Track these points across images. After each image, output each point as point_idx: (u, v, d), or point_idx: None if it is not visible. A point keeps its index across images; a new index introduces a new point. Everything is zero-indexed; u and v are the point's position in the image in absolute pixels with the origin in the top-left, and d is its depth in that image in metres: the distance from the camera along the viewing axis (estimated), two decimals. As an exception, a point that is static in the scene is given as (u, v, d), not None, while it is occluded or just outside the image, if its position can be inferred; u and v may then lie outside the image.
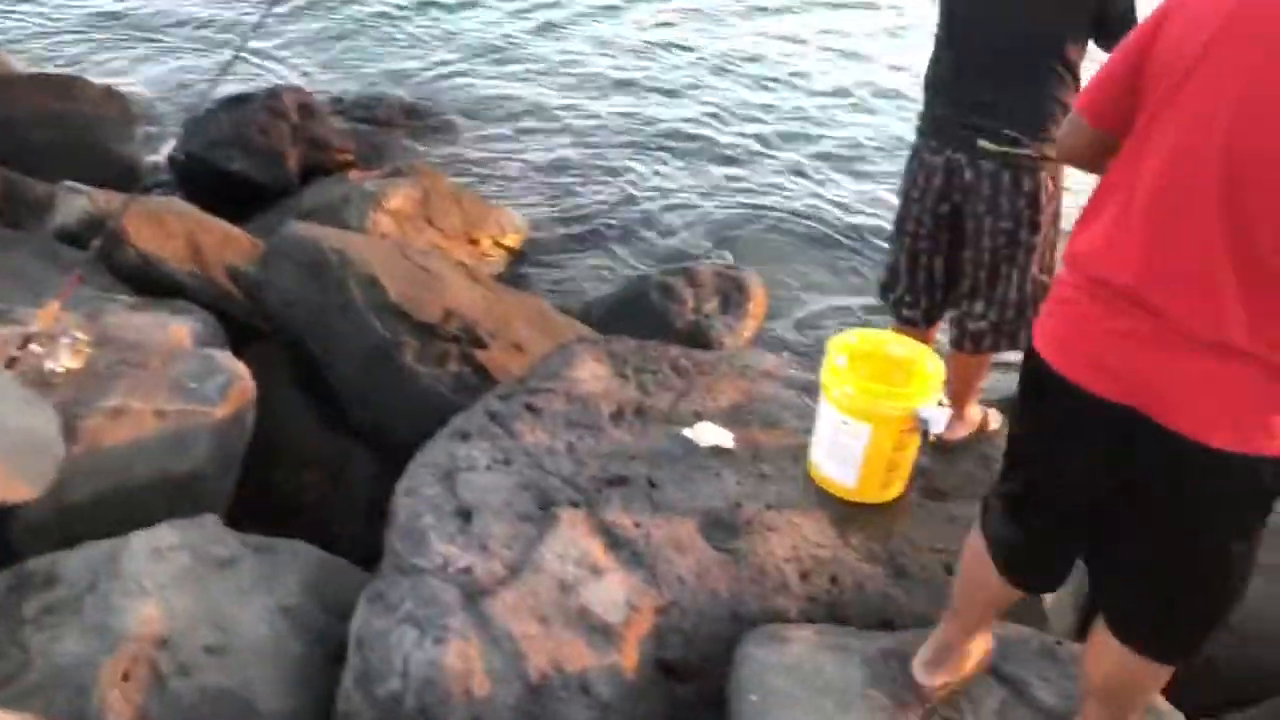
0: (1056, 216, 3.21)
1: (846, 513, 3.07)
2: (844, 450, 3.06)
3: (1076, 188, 2.84)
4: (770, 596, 2.77)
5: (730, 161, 6.90)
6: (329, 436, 3.73)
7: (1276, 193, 1.64)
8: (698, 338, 4.81)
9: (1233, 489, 1.81)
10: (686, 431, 3.25)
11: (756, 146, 7.11)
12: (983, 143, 3.07)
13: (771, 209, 6.33)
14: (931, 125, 3.20)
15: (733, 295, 5.07)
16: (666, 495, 3.01)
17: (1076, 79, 3.01)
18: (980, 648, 2.48)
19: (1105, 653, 2.08)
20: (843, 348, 3.15)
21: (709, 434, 3.23)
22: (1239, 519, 1.86)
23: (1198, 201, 1.71)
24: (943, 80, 3.15)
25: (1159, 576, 1.96)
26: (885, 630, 2.71)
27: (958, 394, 3.38)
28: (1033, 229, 3.11)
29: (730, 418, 3.37)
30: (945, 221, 3.21)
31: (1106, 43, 2.90)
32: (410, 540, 2.76)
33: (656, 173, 6.68)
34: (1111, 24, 2.87)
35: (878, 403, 2.99)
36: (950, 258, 3.28)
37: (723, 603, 2.73)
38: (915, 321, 3.43)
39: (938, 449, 3.35)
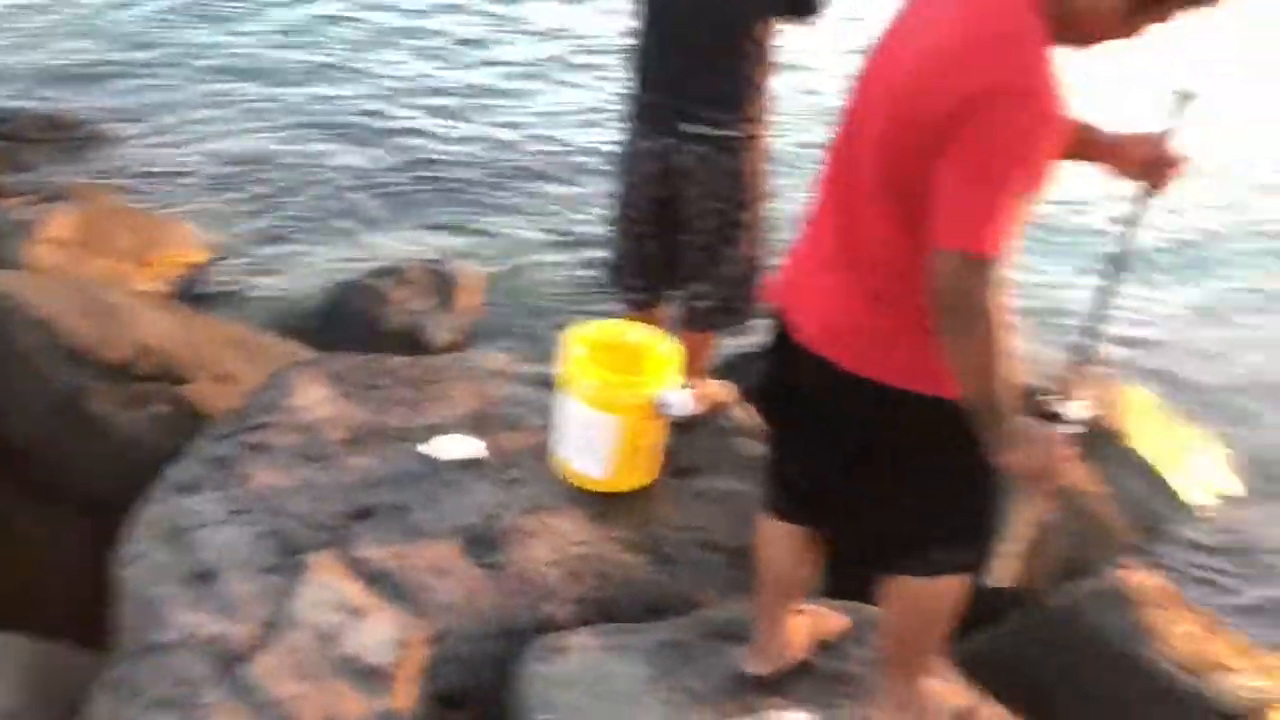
0: (766, 194, 3.31)
1: (603, 506, 3.05)
2: (592, 443, 3.04)
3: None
4: (539, 605, 2.71)
5: (418, 134, 6.67)
6: (26, 508, 3.31)
7: (876, 131, 1.85)
8: (413, 340, 4.64)
9: (867, 411, 1.99)
10: (422, 448, 3.11)
11: (445, 121, 6.93)
12: (685, 126, 3.10)
13: (474, 183, 6.16)
14: (640, 110, 3.21)
15: (443, 290, 4.92)
16: (418, 519, 2.88)
17: (767, 57, 3.09)
18: (805, 627, 2.51)
19: (883, 599, 2.23)
20: (581, 340, 3.12)
21: (451, 446, 3.11)
22: (900, 441, 2.00)
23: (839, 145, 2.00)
24: (645, 64, 3.16)
25: (869, 498, 2.12)
26: (656, 618, 2.72)
27: (688, 371, 3.44)
28: (743, 207, 3.19)
29: (472, 425, 3.27)
30: (663, 205, 3.24)
31: (797, 19, 3.00)
32: (145, 614, 2.50)
33: (347, 158, 6.36)
34: (800, 3, 2.97)
35: (621, 393, 2.98)
36: (671, 240, 3.31)
37: (492, 621, 2.65)
38: (643, 304, 3.45)
39: (678, 427, 3.39)
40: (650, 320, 3.45)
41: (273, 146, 6.40)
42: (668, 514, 3.08)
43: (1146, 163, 1.99)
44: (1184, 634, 2.94)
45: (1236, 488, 4.26)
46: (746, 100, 3.09)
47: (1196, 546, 3.90)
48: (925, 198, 1.74)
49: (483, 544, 2.83)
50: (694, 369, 3.45)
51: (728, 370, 3.97)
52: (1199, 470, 4.27)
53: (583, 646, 2.54)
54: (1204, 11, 1.74)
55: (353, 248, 5.48)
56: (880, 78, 1.88)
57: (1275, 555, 3.89)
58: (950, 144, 1.68)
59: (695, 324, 3.36)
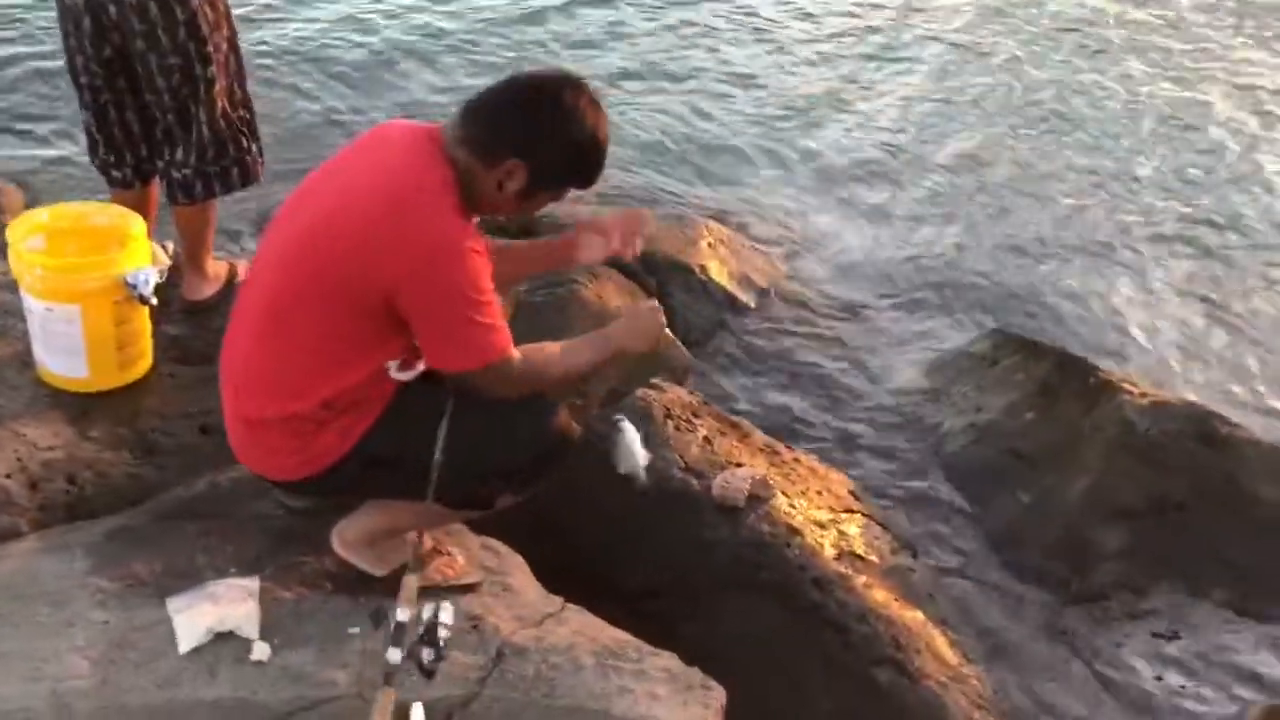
0: (234, 45, 3.05)
1: (85, 407, 2.79)
2: (62, 340, 2.76)
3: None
4: (-8, 519, 2.45)
5: None
6: None
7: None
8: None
9: None
10: None
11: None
12: None
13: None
14: None
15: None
16: None
17: None
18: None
19: None
20: (34, 227, 2.81)
21: (-106, 365, 2.76)
22: None
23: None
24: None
25: None
26: (137, 512, 2.52)
27: (191, 252, 3.18)
28: (204, 61, 2.92)
29: (-68, 341, 2.91)
30: (116, 67, 2.93)
31: None
32: None
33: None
34: None
35: (77, 278, 2.71)
36: (140, 106, 3.01)
37: (-71, 544, 2.37)
38: (128, 182, 3.14)
39: (190, 313, 3.15)
40: (142, 200, 3.16)
41: None
42: (163, 404, 2.85)
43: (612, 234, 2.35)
44: (701, 440, 2.98)
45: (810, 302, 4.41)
46: None
47: (754, 359, 4.01)
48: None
49: (-79, 463, 2.53)
50: (199, 247, 3.20)
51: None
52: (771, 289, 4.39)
53: (22, 552, 2.32)
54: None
55: None
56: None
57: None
58: (402, 304, 1.96)
59: (178, 195, 3.08)
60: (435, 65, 5.95)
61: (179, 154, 3.03)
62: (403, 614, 1.90)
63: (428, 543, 2.28)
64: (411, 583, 1.95)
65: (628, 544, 2.78)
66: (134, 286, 2.74)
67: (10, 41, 5.68)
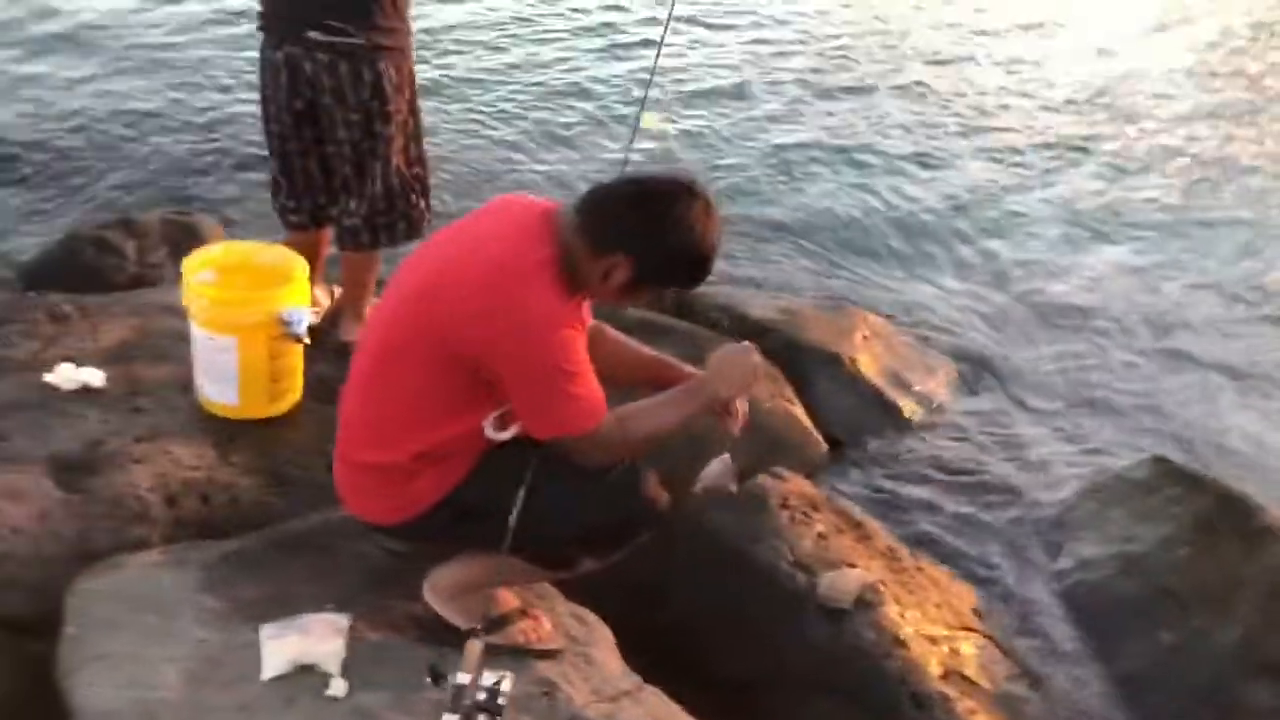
0: (414, 109, 3.23)
1: (233, 433, 2.95)
2: (219, 368, 2.95)
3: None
4: (127, 528, 2.61)
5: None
6: None
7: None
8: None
9: None
10: (48, 377, 3.00)
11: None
12: (311, 34, 3.01)
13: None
14: (265, 20, 3.12)
15: (184, 242, 4.76)
16: (14, 446, 2.76)
17: None
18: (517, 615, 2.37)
19: None
20: (205, 262, 3.02)
21: (71, 375, 3.00)
22: None
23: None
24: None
25: None
26: (263, 539, 2.64)
27: (352, 296, 3.36)
28: (385, 120, 3.11)
29: (110, 357, 3.15)
30: (304, 118, 3.15)
31: None
32: None
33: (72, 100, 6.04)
34: None
35: (236, 311, 2.89)
36: (321, 156, 3.22)
37: (68, 544, 2.54)
38: (303, 225, 3.35)
39: (340, 353, 3.31)
40: (314, 243, 3.36)
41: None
42: (302, 438, 2.99)
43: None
44: (815, 535, 2.91)
45: (964, 407, 4.27)
46: (374, 8, 3.02)
47: (894, 460, 3.88)
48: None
49: (75, 470, 2.73)
50: (358, 292, 3.37)
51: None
52: (924, 389, 4.26)
53: (144, 562, 2.46)
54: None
55: (85, 204, 5.26)
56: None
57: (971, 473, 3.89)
58: (493, 371, 2.03)
59: (346, 242, 3.27)
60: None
61: (352, 204, 3.22)
62: (462, 677, 1.91)
63: (514, 602, 2.30)
64: (475, 648, 1.96)
65: (722, 630, 2.73)
66: (289, 324, 2.91)
67: (229, 89, 6.19)
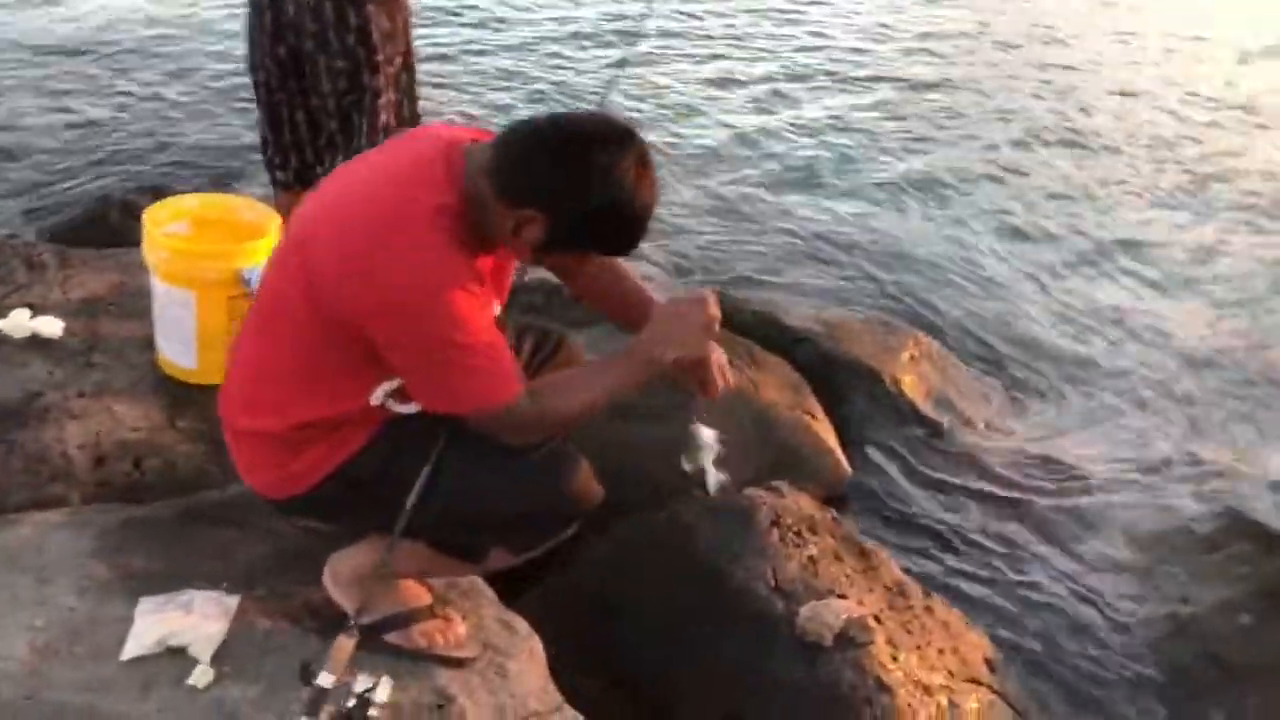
0: (409, 65, 3.00)
1: (186, 397, 2.75)
2: (176, 325, 2.75)
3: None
4: (45, 486, 2.42)
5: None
6: None
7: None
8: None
9: None
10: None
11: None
12: None
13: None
14: None
15: (214, 213, 4.63)
16: (-51, 391, 2.59)
17: None
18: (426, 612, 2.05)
19: None
20: (179, 213, 2.83)
21: (24, 323, 2.83)
22: None
23: None
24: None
25: None
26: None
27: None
28: (373, 70, 2.87)
29: (76, 309, 2.99)
30: (289, 68, 2.93)
31: None
32: None
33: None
34: None
35: (196, 264, 2.69)
36: (308, 110, 3.01)
37: (-25, 497, 2.35)
38: (289, 185, 3.13)
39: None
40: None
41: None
42: (259, 407, 2.76)
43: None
44: (805, 558, 2.57)
45: (1016, 441, 3.85)
46: None
47: (929, 489, 3.50)
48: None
49: (3, 420, 2.54)
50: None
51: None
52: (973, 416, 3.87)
53: (40, 522, 2.24)
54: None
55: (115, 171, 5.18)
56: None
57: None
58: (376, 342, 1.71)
59: (329, 206, 3.04)
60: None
61: (338, 162, 2.99)
62: (325, 679, 1.64)
63: (425, 598, 2.02)
64: (346, 645, 1.68)
65: (683, 656, 2.40)
66: (248, 283, 2.69)
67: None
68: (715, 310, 1.84)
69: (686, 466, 2.06)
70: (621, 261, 2.06)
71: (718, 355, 1.96)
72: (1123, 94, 7.53)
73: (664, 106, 6.48)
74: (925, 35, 8.38)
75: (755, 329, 3.95)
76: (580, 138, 1.69)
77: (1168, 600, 3.10)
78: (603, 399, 1.82)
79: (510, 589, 2.32)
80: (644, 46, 7.28)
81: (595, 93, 6.20)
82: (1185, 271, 5.26)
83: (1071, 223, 5.60)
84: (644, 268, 4.58)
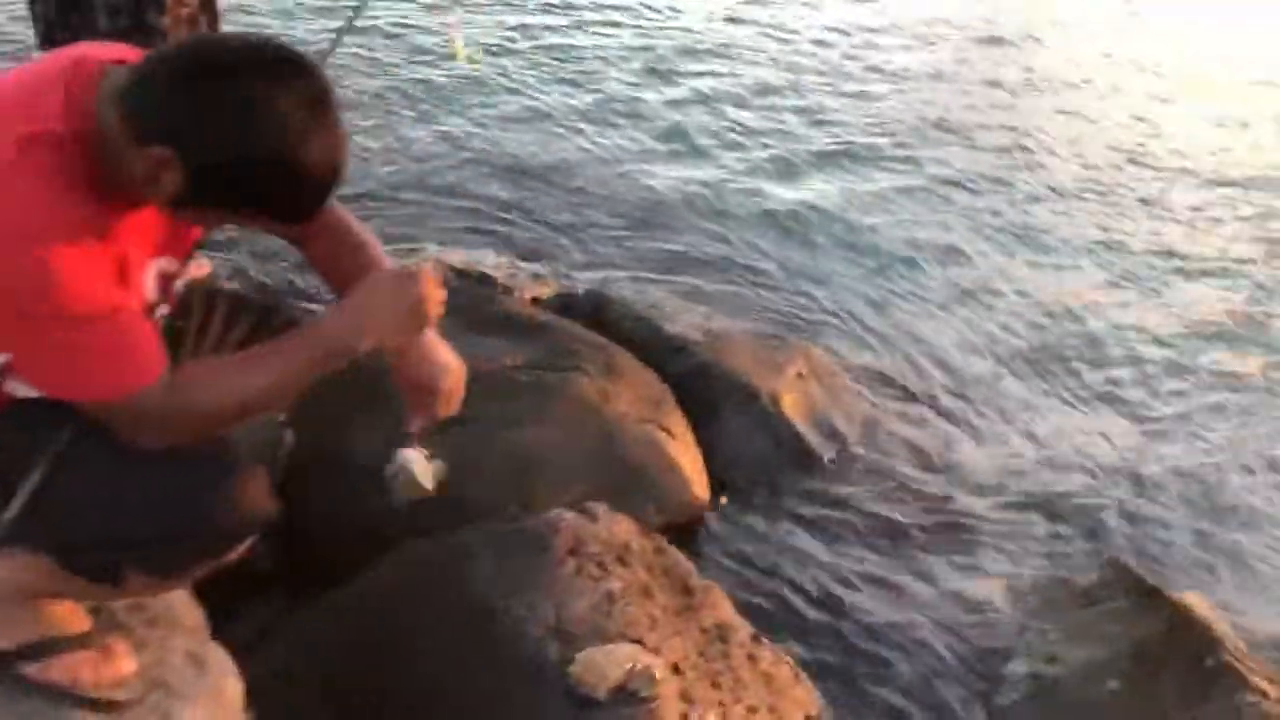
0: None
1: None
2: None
3: None
4: None
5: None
6: None
7: None
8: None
9: None
10: None
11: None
12: None
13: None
14: None
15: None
16: None
17: None
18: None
19: None
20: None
21: None
22: None
23: None
24: None
25: None
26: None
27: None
28: (159, 9, 2.58)
29: None
30: (69, 2, 2.64)
31: None
32: None
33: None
34: None
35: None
36: None
37: None
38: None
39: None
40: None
41: None
42: None
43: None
44: (602, 595, 2.25)
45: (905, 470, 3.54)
46: None
47: (796, 521, 3.19)
48: None
49: None
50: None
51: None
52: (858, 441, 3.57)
53: None
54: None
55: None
56: None
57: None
58: None
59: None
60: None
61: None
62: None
63: (77, 625, 1.69)
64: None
65: (441, 707, 2.08)
66: None
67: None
68: (431, 290, 1.50)
69: (400, 500, 1.72)
70: (360, 224, 1.73)
71: (457, 373, 1.65)
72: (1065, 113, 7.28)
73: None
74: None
75: (634, 334, 3.66)
76: (218, 64, 1.34)
77: (1035, 658, 2.79)
78: (268, 393, 1.47)
79: (225, 618, 1.99)
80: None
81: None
82: (1101, 296, 4.98)
83: (996, 241, 5.31)
84: (532, 266, 4.28)
